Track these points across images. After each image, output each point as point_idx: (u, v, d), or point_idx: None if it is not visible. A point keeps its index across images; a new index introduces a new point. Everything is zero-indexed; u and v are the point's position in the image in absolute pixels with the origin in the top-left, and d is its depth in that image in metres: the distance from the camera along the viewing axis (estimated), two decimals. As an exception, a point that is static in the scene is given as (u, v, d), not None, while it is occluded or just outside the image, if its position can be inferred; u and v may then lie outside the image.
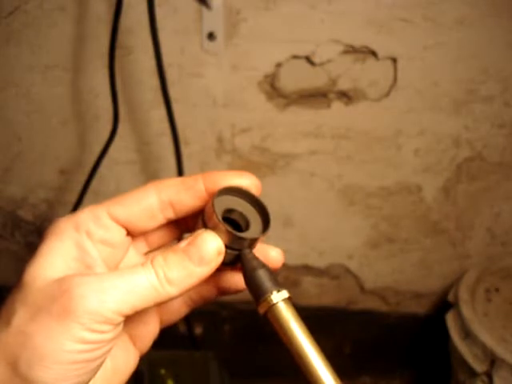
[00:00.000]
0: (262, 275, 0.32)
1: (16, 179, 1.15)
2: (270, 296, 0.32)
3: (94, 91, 1.03)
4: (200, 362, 1.05)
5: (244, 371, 1.25)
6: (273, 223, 0.34)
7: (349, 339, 1.31)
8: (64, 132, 1.08)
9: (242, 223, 0.35)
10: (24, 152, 1.12)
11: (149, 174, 1.12)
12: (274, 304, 0.31)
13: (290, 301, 0.32)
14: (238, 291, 0.36)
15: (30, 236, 1.24)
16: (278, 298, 0.32)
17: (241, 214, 0.34)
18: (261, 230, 0.34)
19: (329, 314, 1.27)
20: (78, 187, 0.99)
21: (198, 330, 1.29)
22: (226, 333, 1.32)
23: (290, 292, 0.32)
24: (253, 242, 0.33)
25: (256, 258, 0.33)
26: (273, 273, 0.33)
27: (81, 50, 1.00)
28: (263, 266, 0.33)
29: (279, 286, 0.32)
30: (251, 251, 0.34)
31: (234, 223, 0.34)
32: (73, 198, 1.02)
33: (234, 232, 0.32)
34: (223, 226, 0.32)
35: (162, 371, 1.00)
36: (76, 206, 1.00)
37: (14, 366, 0.28)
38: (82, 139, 1.09)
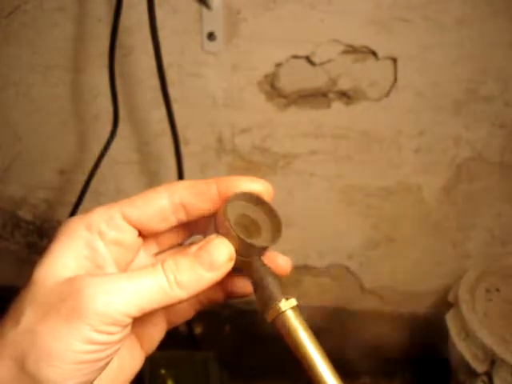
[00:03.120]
0: (271, 283, 0.33)
1: (16, 179, 1.15)
2: (278, 304, 0.32)
3: (93, 91, 1.03)
4: (200, 361, 1.05)
5: (244, 371, 1.25)
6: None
7: (349, 339, 1.31)
8: (64, 132, 1.08)
9: (254, 229, 0.35)
10: (24, 152, 1.12)
11: (149, 174, 1.12)
12: (282, 312, 0.32)
13: (299, 309, 0.32)
14: (245, 295, 0.37)
15: (30, 236, 1.24)
16: (287, 306, 0.32)
17: (252, 220, 0.34)
18: (271, 238, 0.34)
19: (329, 314, 1.27)
20: (78, 187, 0.99)
21: (198, 330, 1.29)
22: (226, 333, 1.32)
23: (298, 300, 0.32)
24: (263, 250, 0.34)
25: (265, 266, 0.33)
26: (281, 280, 0.33)
27: (81, 50, 1.00)
28: (272, 273, 0.33)
29: (287, 294, 0.32)
30: (260, 258, 0.34)
31: (245, 229, 0.35)
32: (73, 198, 1.02)
33: (245, 239, 0.32)
34: (234, 233, 0.32)
35: (162, 371, 1.00)
36: (76, 206, 0.99)
37: (22, 365, 0.29)
38: (81, 139, 1.09)
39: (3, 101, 1.06)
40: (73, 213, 1.00)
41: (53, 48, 0.99)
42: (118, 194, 1.13)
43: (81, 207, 1.00)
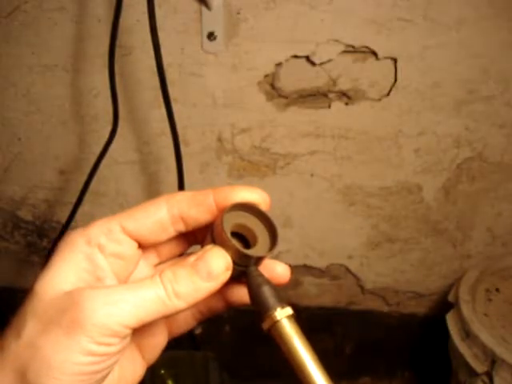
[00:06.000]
0: (267, 292, 0.33)
1: (16, 179, 1.15)
2: (273, 313, 0.32)
3: (93, 91, 1.03)
4: (200, 361, 1.05)
5: (244, 371, 1.25)
6: (273, 223, 0.34)
7: (349, 339, 1.31)
8: (64, 132, 1.08)
9: (250, 239, 0.35)
10: (24, 152, 1.12)
11: (149, 174, 1.12)
12: (277, 321, 0.32)
13: (294, 318, 0.32)
14: (244, 304, 0.37)
15: (30, 236, 1.24)
16: (282, 314, 0.32)
17: (249, 229, 0.35)
18: (268, 248, 0.34)
19: (329, 314, 1.27)
20: (78, 187, 0.99)
21: (198, 330, 1.29)
22: (226, 333, 1.32)
23: (293, 309, 0.33)
24: (259, 260, 0.34)
25: (261, 275, 0.34)
26: (277, 289, 0.33)
27: (81, 50, 1.00)
28: (268, 282, 0.33)
29: (283, 303, 0.33)
30: (257, 268, 0.34)
31: (242, 238, 0.35)
32: (73, 198, 1.02)
33: (242, 250, 0.33)
34: (231, 243, 0.32)
35: (162, 371, 1.00)
36: (76, 206, 0.99)
37: (23, 376, 0.29)
38: (81, 139, 1.09)
39: (3, 101, 1.06)
40: (73, 213, 1.00)
41: (52, 48, 0.99)
42: (118, 194, 1.13)
43: (80, 207, 1.00)
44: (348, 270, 1.21)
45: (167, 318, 0.35)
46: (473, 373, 0.95)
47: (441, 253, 1.17)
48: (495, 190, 1.09)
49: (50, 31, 0.98)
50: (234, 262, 0.33)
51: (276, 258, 0.34)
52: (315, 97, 1.01)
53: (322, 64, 0.97)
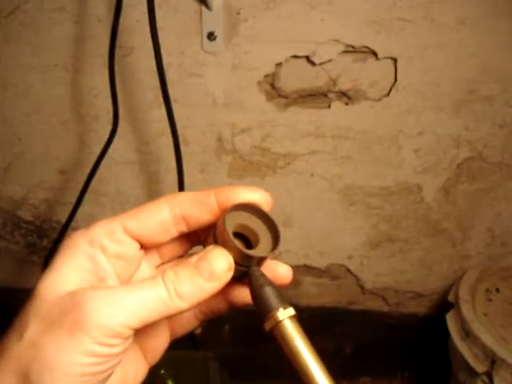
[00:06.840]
0: (269, 292, 0.33)
1: (16, 179, 1.15)
2: (276, 313, 0.32)
3: (93, 91, 1.03)
4: (200, 361, 1.05)
5: (244, 371, 1.25)
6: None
7: (349, 339, 1.31)
8: (64, 132, 1.08)
9: (253, 239, 0.35)
10: (24, 152, 1.12)
11: (149, 174, 1.12)
12: (279, 321, 0.32)
13: (296, 318, 0.32)
14: (246, 305, 0.37)
15: (30, 236, 1.24)
16: (284, 315, 0.32)
17: (251, 230, 0.35)
18: (270, 248, 0.34)
19: (329, 314, 1.27)
20: (78, 187, 0.99)
21: (198, 330, 1.29)
22: (226, 333, 1.32)
23: (295, 309, 0.33)
24: (261, 260, 0.34)
25: (263, 276, 0.34)
26: (279, 290, 0.33)
27: (81, 50, 1.00)
28: (270, 283, 0.33)
29: (285, 304, 0.32)
30: (259, 268, 0.34)
31: (244, 239, 0.35)
32: (73, 198, 1.02)
33: (244, 250, 0.32)
34: (233, 243, 0.32)
35: (162, 371, 1.00)
36: (76, 206, 0.99)
37: (26, 377, 0.29)
38: (81, 139, 1.09)
39: (3, 101, 1.06)
40: (73, 213, 1.00)
41: (52, 48, 0.99)
42: (118, 194, 1.13)
43: (80, 207, 1.00)
44: (348, 269, 1.21)
45: (169, 319, 0.35)
46: (473, 373, 0.95)
47: (441, 253, 1.17)
48: (495, 190, 1.09)
49: (49, 31, 0.98)
50: (236, 263, 0.33)
51: (276, 257, 0.34)
52: (315, 97, 1.01)
53: (321, 64, 0.97)
